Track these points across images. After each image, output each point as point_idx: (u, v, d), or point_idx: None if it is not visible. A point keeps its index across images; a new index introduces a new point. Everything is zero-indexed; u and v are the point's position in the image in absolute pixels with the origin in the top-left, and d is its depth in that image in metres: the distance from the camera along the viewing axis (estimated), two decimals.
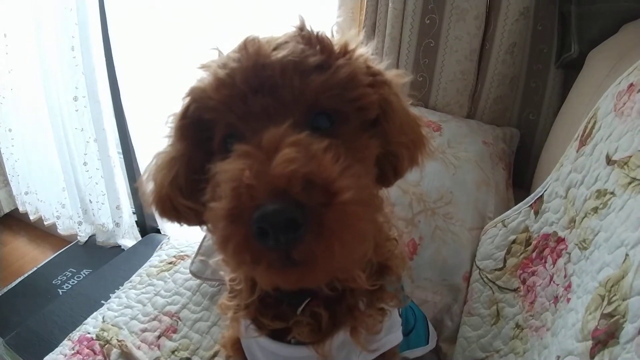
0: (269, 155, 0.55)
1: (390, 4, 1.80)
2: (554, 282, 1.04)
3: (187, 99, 0.72)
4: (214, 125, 0.70)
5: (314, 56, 0.66)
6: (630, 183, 0.86)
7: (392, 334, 0.91)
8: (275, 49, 0.66)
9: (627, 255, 0.77)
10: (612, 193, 0.90)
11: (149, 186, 0.80)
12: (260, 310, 0.83)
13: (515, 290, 1.18)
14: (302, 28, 0.70)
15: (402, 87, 0.80)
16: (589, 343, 0.76)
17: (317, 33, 0.70)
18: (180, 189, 0.76)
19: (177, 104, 0.75)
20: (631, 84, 0.99)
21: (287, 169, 0.53)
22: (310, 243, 0.53)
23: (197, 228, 0.82)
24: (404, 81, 0.81)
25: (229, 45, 0.73)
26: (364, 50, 0.76)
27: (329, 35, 0.72)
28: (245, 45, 0.67)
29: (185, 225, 0.83)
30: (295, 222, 0.52)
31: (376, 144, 0.72)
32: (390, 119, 0.74)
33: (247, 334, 0.88)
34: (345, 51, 0.71)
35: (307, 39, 0.68)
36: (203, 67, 0.72)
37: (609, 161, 0.95)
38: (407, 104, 0.81)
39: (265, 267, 0.56)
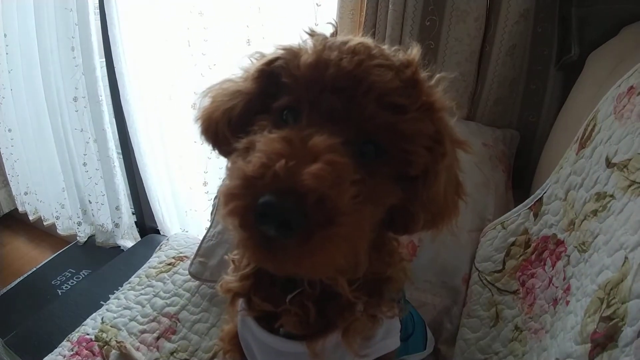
0: (305, 159, 0.58)
1: (390, 6, 1.80)
2: (553, 284, 1.04)
3: (279, 52, 0.74)
4: (284, 90, 0.72)
5: (401, 97, 0.66)
6: (630, 186, 0.86)
7: (389, 339, 0.91)
8: (375, 66, 0.66)
9: (626, 258, 0.77)
10: (611, 196, 0.91)
11: (204, 102, 0.84)
12: (254, 287, 0.85)
13: (515, 292, 1.18)
14: (409, 65, 0.70)
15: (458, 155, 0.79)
16: (588, 346, 0.77)
17: (419, 77, 0.70)
18: (230, 120, 0.79)
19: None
20: (631, 87, 1.00)
21: (312, 183, 0.55)
22: (290, 245, 0.56)
23: (196, 229, 0.84)
24: (465, 147, 0.80)
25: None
26: (445, 115, 0.74)
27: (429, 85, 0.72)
28: (354, 49, 0.68)
29: (216, 151, 0.86)
30: (289, 225, 0.54)
31: (399, 196, 0.72)
32: (429, 188, 0.73)
33: (241, 317, 0.92)
34: (430, 107, 0.70)
35: (405, 76, 0.68)
36: (312, 35, 0.75)
37: (609, 164, 0.95)
38: (456, 173, 0.80)
39: (246, 236, 0.59)
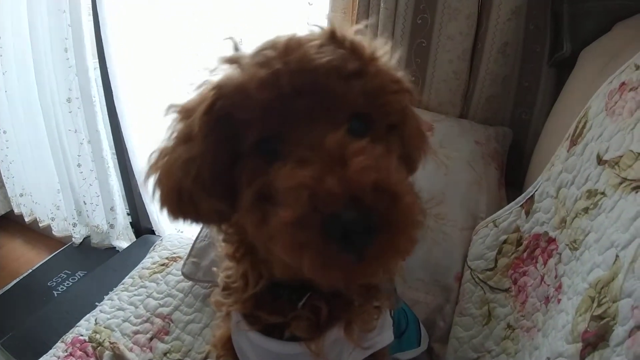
0: (337, 162, 0.56)
1: (382, 4, 1.80)
2: (544, 282, 1.04)
3: (213, 93, 0.67)
4: (247, 125, 0.66)
5: (353, 62, 0.66)
6: (620, 183, 0.86)
7: (383, 334, 0.91)
8: (317, 52, 0.65)
9: (617, 256, 0.77)
10: (602, 193, 0.90)
11: (157, 185, 0.75)
12: (257, 304, 0.83)
13: (507, 290, 1.18)
14: (334, 31, 0.69)
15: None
16: (579, 345, 0.76)
17: (353, 39, 0.69)
18: (204, 189, 0.71)
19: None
20: (623, 83, 0.99)
21: (365, 178, 0.54)
22: (381, 243, 0.55)
23: (191, 229, 0.82)
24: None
25: (225, 46, 0.70)
26: (388, 58, 0.76)
27: (361, 41, 0.71)
28: (287, 46, 0.65)
29: (196, 225, 0.80)
30: (371, 228, 0.53)
31: (398, 146, 0.75)
32: (408, 124, 0.77)
33: (237, 328, 0.89)
34: (374, 58, 0.71)
35: (342, 43, 0.68)
36: (230, 61, 0.69)
37: (600, 161, 0.95)
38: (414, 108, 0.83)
39: (335, 269, 0.57)
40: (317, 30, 0.71)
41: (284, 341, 0.84)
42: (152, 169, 0.75)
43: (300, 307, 0.79)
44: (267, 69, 0.63)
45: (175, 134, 0.73)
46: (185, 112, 0.72)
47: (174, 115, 0.74)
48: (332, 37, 0.68)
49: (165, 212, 0.76)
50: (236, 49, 0.72)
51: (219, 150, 0.68)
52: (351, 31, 0.73)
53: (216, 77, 0.69)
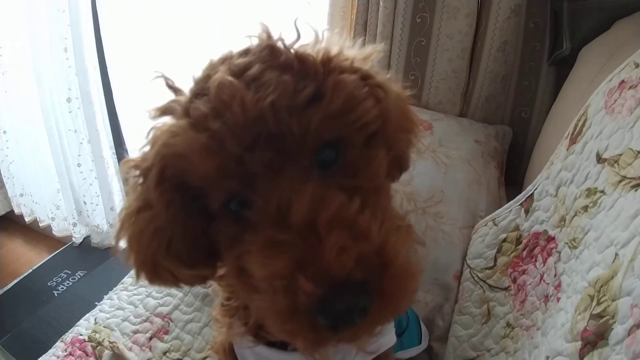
0: (311, 243, 0.52)
1: (381, 3, 1.80)
2: (544, 281, 1.03)
3: (157, 160, 0.61)
4: (207, 190, 0.61)
5: (304, 88, 0.56)
6: (620, 181, 0.85)
7: (386, 336, 0.91)
8: (257, 89, 0.55)
9: (616, 254, 0.77)
10: (602, 192, 0.90)
11: (129, 250, 0.69)
12: (263, 327, 0.78)
13: (506, 289, 1.17)
14: (272, 47, 0.61)
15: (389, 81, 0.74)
16: (578, 344, 0.76)
17: (296, 53, 0.61)
18: (181, 260, 0.67)
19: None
20: (622, 81, 0.99)
21: (344, 262, 0.50)
22: (375, 311, 0.53)
23: None
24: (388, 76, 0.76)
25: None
26: (350, 53, 0.68)
27: (306, 50, 0.62)
28: (219, 95, 0.56)
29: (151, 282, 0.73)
30: (362, 307, 0.52)
31: (384, 154, 0.67)
32: (389, 122, 0.68)
33: (241, 343, 0.87)
34: (329, 64, 0.62)
35: (284, 62, 0.59)
36: (164, 112, 0.64)
37: (599, 159, 0.95)
38: (392, 92, 0.73)
39: (330, 343, 0.57)
40: (254, 47, 0.63)
41: (288, 351, 0.84)
42: (121, 231, 0.70)
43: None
44: (204, 133, 0.56)
45: (138, 195, 0.68)
46: (143, 171, 0.66)
47: (133, 172, 0.68)
48: (273, 54, 0.60)
49: (142, 278, 0.71)
50: (171, 87, 0.67)
51: (188, 214, 0.64)
52: (294, 40, 0.65)
53: (159, 132, 0.62)
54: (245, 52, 0.63)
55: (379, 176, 0.65)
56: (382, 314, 0.55)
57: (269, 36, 0.63)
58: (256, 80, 0.56)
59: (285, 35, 0.64)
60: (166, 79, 0.67)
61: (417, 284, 0.57)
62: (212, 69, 0.62)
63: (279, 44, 0.62)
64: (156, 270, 0.69)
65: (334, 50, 0.65)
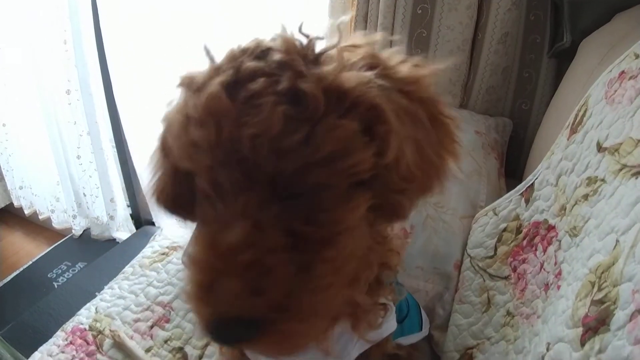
0: (221, 271, 0.55)
1: None
2: (544, 269, 1.04)
3: (160, 136, 0.70)
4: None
5: (293, 133, 0.53)
6: (620, 170, 0.86)
7: (387, 322, 0.91)
8: (246, 112, 0.54)
9: (617, 241, 0.77)
10: (602, 180, 0.90)
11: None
12: None
13: (506, 278, 1.18)
14: (286, 64, 0.57)
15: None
16: (580, 330, 0.76)
17: (309, 93, 0.54)
18: (172, 200, 0.76)
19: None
20: (622, 72, 1.00)
21: (227, 309, 0.54)
22: (266, 341, 0.56)
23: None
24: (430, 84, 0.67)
25: (225, 41, 0.65)
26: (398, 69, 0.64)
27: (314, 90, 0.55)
28: (207, 107, 0.56)
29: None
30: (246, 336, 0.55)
31: (365, 199, 0.62)
32: (396, 171, 0.61)
33: None
34: (342, 95, 0.57)
35: (288, 91, 0.54)
36: (184, 84, 0.64)
37: (600, 148, 0.95)
38: (426, 128, 0.65)
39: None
40: (274, 51, 0.59)
41: None
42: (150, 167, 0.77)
43: None
44: (187, 137, 0.58)
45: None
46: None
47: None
48: (284, 71, 0.56)
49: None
50: (208, 54, 0.64)
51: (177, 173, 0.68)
52: (315, 56, 0.61)
53: (169, 111, 0.66)
54: (263, 55, 0.59)
55: (347, 222, 0.60)
56: (274, 344, 0.57)
57: (288, 50, 0.59)
58: (249, 102, 0.54)
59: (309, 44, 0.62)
60: (205, 47, 0.65)
61: (311, 337, 0.60)
62: (232, 58, 0.60)
63: (296, 62, 0.57)
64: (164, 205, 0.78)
65: (355, 82, 0.58)
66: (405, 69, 0.65)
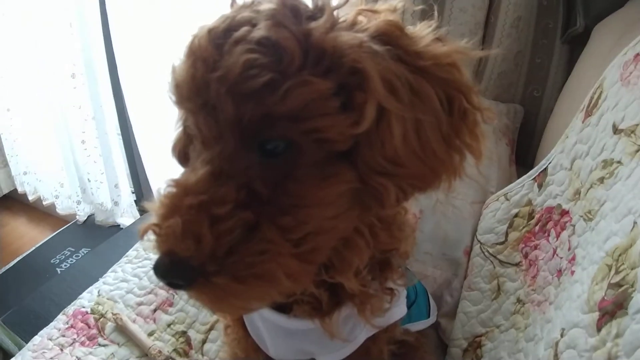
0: (171, 207, 0.57)
1: None
2: (557, 255, 1.02)
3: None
4: None
5: (258, 77, 0.52)
6: (637, 151, 0.85)
7: (396, 307, 0.90)
8: (222, 56, 0.55)
9: (635, 223, 0.75)
10: (619, 162, 0.89)
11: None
12: None
13: (517, 264, 1.16)
14: (274, 14, 0.56)
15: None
16: (596, 314, 0.74)
17: (282, 45, 0.54)
18: (182, 152, 0.79)
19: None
20: (637, 54, 0.99)
21: (166, 247, 0.55)
22: (204, 290, 0.57)
23: None
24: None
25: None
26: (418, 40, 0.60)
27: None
28: (191, 50, 0.58)
29: None
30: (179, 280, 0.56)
31: (346, 178, 0.59)
32: (377, 147, 0.57)
33: None
34: (317, 53, 0.55)
35: (262, 40, 0.54)
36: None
37: (616, 130, 0.94)
38: (435, 115, 0.59)
39: None
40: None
41: (289, 317, 0.84)
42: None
43: (299, 292, 0.77)
44: (174, 75, 0.61)
45: None
46: None
47: None
48: (272, 19, 0.56)
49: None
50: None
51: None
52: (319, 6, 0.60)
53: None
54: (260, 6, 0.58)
55: (317, 196, 0.58)
56: (206, 297, 0.58)
57: (280, 2, 0.58)
58: (226, 48, 0.55)
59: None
60: None
61: (241, 301, 0.59)
62: (237, 9, 0.60)
63: (280, 13, 0.56)
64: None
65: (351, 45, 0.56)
66: (423, 43, 0.61)
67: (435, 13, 0.69)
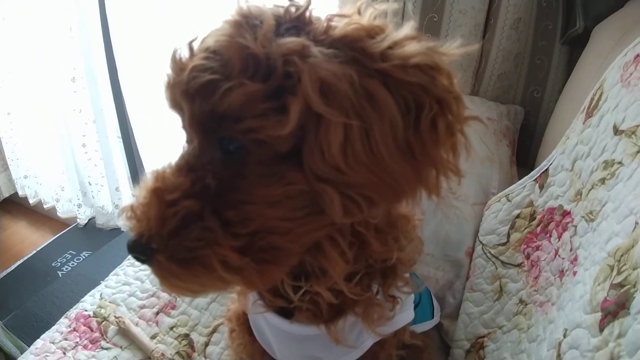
0: (151, 195, 0.63)
1: None
2: (559, 256, 1.02)
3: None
4: None
5: (198, 78, 0.57)
6: (638, 152, 0.85)
7: (403, 313, 0.91)
8: (185, 66, 0.60)
9: (636, 223, 0.76)
10: (619, 163, 0.89)
11: None
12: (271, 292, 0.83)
13: (519, 265, 1.16)
14: (230, 41, 0.58)
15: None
16: (598, 315, 0.74)
17: (219, 52, 0.57)
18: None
19: None
20: (637, 55, 0.99)
21: (132, 221, 0.64)
22: (155, 267, 0.63)
23: None
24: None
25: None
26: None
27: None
28: (172, 60, 0.63)
29: None
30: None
31: (291, 179, 0.58)
32: (316, 151, 0.55)
33: (254, 309, 0.88)
34: (290, 58, 0.55)
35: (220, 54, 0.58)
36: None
37: (616, 131, 0.94)
38: (390, 123, 0.54)
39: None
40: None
41: (290, 321, 0.84)
42: None
43: (298, 299, 0.78)
44: (167, 78, 0.65)
45: None
46: None
47: None
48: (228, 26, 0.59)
49: None
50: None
51: None
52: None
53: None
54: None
55: (258, 194, 0.59)
56: (159, 276, 0.64)
57: (239, 13, 0.61)
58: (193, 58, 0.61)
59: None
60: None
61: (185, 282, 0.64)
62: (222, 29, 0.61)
63: (236, 24, 0.59)
64: None
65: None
66: (387, 44, 0.56)
67: (410, 11, 0.69)
